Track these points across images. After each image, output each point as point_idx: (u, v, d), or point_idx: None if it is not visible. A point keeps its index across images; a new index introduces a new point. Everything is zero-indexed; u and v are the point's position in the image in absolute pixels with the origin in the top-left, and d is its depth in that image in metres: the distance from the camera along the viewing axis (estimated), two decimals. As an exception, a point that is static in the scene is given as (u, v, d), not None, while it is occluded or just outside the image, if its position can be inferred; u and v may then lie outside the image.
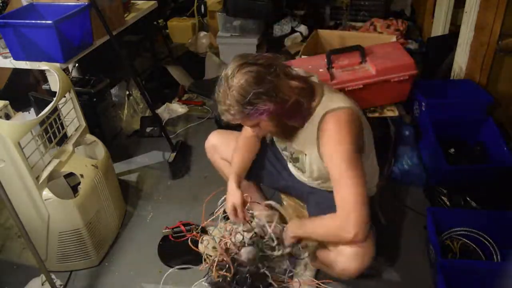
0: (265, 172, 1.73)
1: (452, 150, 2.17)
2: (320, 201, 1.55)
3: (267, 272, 1.50)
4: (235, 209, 1.56)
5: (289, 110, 1.32)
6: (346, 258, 1.34)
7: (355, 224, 1.26)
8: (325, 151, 1.35)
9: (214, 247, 1.62)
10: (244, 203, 1.58)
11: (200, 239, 1.74)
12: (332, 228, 1.33)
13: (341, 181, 1.30)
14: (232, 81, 1.24)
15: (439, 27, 3.03)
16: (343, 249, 1.35)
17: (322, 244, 1.49)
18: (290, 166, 1.65)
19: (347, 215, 1.27)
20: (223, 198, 1.66)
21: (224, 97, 1.27)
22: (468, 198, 1.89)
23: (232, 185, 1.59)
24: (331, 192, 1.56)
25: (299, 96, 1.32)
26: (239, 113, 1.27)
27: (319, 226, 1.39)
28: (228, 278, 1.50)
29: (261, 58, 1.28)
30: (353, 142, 1.31)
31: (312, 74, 1.47)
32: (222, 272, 1.50)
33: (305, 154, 1.47)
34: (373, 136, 1.52)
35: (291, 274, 1.57)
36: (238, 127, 1.74)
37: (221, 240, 1.58)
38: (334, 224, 1.32)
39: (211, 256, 1.58)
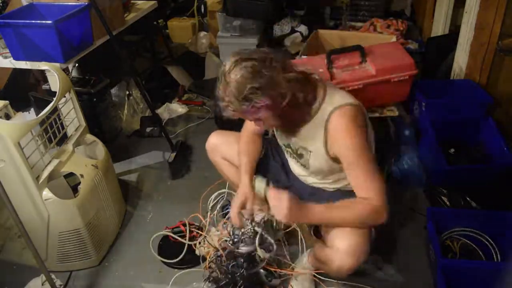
0: (268, 172, 1.73)
1: (452, 150, 2.17)
2: (321, 203, 1.54)
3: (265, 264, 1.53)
4: (242, 207, 1.55)
5: (289, 105, 1.32)
6: (342, 255, 1.35)
7: (384, 205, 1.32)
8: (340, 145, 1.37)
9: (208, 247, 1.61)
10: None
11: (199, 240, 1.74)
12: (364, 212, 1.34)
13: (359, 165, 1.34)
14: (229, 77, 1.26)
15: (439, 27, 3.03)
16: (339, 246, 1.36)
17: (318, 241, 1.50)
18: (293, 163, 1.64)
19: (377, 197, 1.33)
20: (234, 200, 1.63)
21: (223, 93, 1.29)
22: (468, 198, 1.89)
23: (245, 184, 1.58)
24: (331, 191, 1.56)
25: (298, 90, 1.32)
26: (238, 109, 1.29)
27: (342, 213, 1.37)
28: (223, 266, 1.51)
29: (256, 52, 1.29)
30: (364, 137, 1.36)
31: (313, 72, 1.47)
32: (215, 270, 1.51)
33: (310, 151, 1.47)
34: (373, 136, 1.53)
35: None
36: (237, 127, 1.75)
37: (219, 239, 1.58)
38: (365, 209, 1.34)
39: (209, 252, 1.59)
